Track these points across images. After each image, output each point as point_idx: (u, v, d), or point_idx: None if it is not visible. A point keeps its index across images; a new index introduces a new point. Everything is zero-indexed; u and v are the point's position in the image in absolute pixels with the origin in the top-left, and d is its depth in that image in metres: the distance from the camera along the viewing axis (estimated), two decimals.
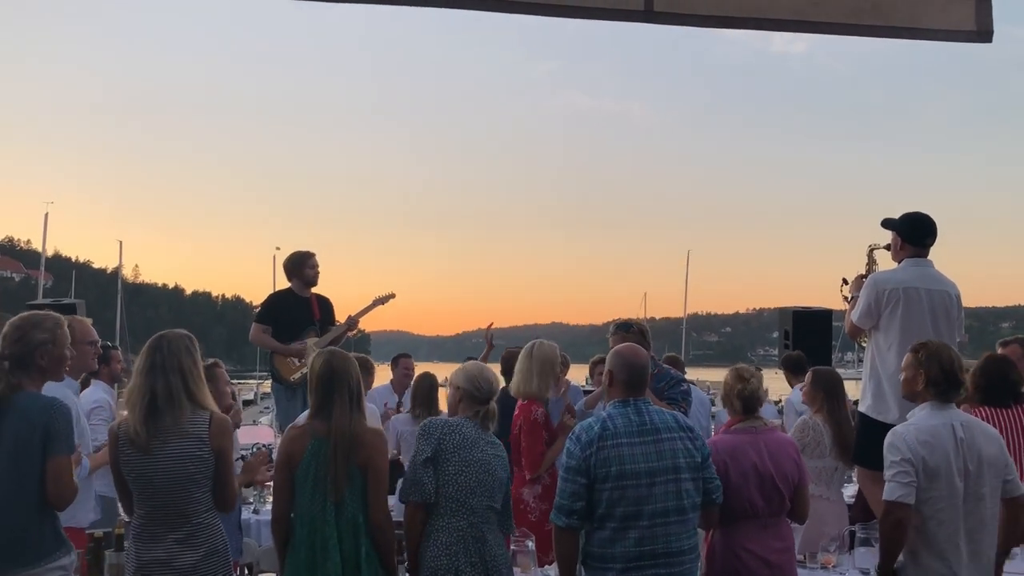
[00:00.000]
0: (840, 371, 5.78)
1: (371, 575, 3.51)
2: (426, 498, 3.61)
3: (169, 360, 3.48)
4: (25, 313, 3.62)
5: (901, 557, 3.61)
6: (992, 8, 3.32)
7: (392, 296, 7.52)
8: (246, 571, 5.46)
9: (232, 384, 5.33)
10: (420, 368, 7.40)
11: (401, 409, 7.13)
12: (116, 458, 3.47)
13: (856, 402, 6.36)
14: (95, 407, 5.33)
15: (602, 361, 4.88)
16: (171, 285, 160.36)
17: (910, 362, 3.78)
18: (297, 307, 7.12)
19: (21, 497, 3.29)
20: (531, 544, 4.05)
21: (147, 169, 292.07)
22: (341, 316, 7.39)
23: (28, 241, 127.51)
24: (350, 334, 7.42)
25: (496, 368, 6.12)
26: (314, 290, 7.26)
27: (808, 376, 5.36)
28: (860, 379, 5.56)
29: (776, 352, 10.30)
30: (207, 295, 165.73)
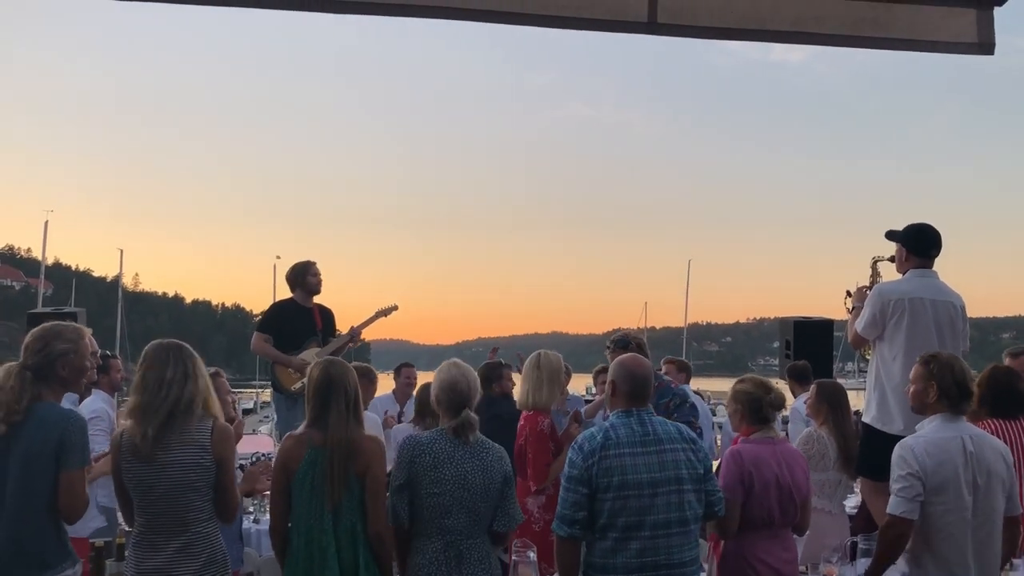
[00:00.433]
0: (840, 381, 5.79)
1: None
2: (401, 524, 3.61)
3: (186, 368, 3.48)
4: (47, 323, 3.62)
5: (907, 569, 3.61)
6: (994, 20, 3.33)
7: (395, 308, 7.53)
8: None
9: (232, 394, 5.32)
10: (421, 378, 7.40)
11: (402, 419, 7.12)
12: (118, 467, 3.46)
13: (858, 413, 6.36)
14: (94, 416, 5.32)
15: (605, 370, 4.90)
16: (171, 293, 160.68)
17: (920, 374, 3.76)
18: (299, 317, 7.13)
19: (32, 507, 3.30)
20: (532, 555, 4.03)
21: (147, 177, 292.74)
22: (343, 326, 7.39)
23: (28, 249, 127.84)
24: (351, 345, 7.42)
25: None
26: (316, 300, 7.27)
27: (812, 389, 5.37)
28: (861, 389, 5.57)
29: (776, 362, 10.29)
30: (207, 304, 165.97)
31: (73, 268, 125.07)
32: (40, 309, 11.92)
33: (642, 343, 5.05)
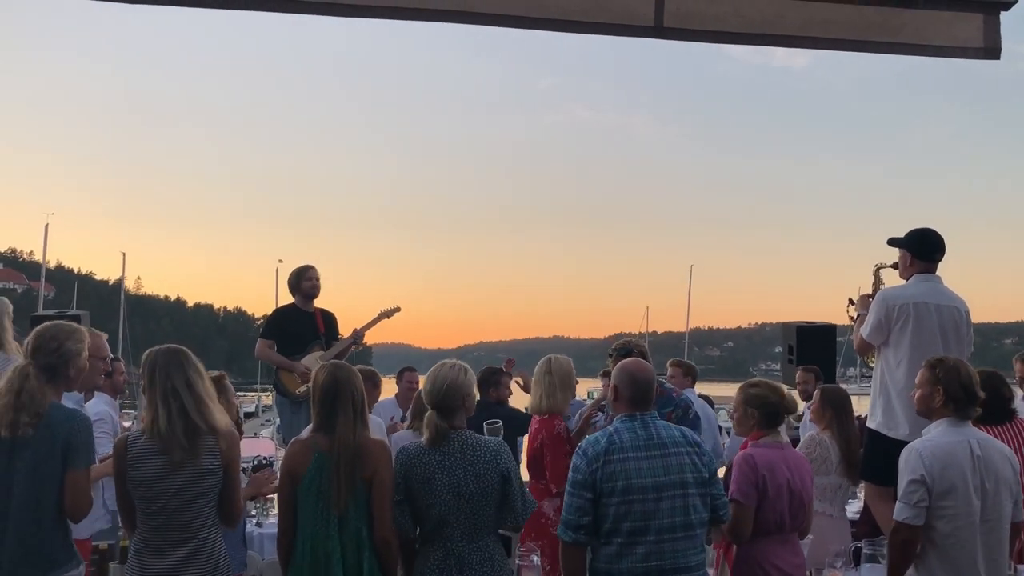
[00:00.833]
0: (843, 386, 5.79)
1: None
2: (407, 535, 3.61)
3: (193, 376, 3.47)
4: (53, 323, 3.63)
5: (916, 575, 3.60)
6: (1000, 25, 3.34)
7: (397, 310, 7.53)
8: None
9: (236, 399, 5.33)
10: (422, 382, 7.40)
11: (405, 423, 7.12)
12: (123, 472, 3.43)
13: (859, 418, 6.34)
14: (97, 419, 5.30)
15: (607, 374, 4.90)
16: (173, 297, 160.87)
17: (927, 378, 3.76)
18: (301, 321, 7.14)
19: (38, 507, 3.31)
20: (536, 559, 4.02)
21: (149, 180, 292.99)
22: (346, 329, 7.40)
23: (31, 253, 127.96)
24: (355, 347, 7.43)
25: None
26: (318, 304, 7.29)
27: (816, 394, 5.37)
28: (863, 394, 5.57)
29: (778, 367, 10.29)
30: (209, 307, 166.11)
31: (75, 271, 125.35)
32: (42, 312, 11.94)
33: (644, 351, 5.04)
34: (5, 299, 4.80)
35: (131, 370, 9.86)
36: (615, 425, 3.58)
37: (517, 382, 7.11)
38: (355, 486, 3.50)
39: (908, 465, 3.58)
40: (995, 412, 4.66)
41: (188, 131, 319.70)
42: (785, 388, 4.10)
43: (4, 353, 4.50)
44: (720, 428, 8.24)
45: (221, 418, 3.52)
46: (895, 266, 5.31)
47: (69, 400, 3.90)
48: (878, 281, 5.53)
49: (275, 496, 5.00)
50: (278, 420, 7.42)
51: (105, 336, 4.65)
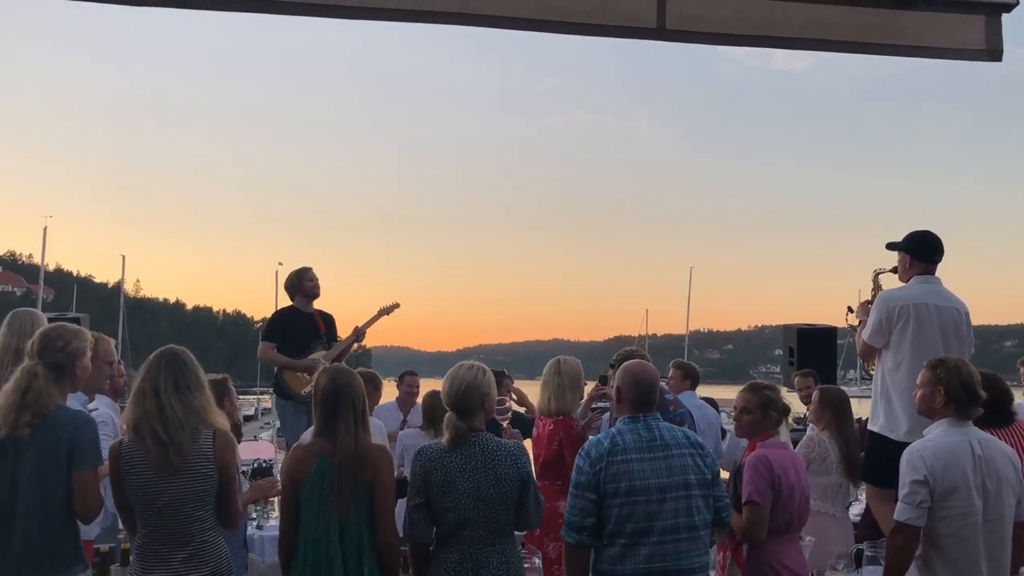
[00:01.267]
0: (843, 388, 5.78)
1: None
2: (423, 539, 3.58)
3: (189, 378, 3.46)
4: (58, 323, 3.63)
5: (918, 575, 3.60)
6: (1002, 27, 3.35)
7: (397, 306, 7.54)
8: None
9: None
10: (424, 385, 7.42)
11: (406, 427, 7.13)
12: (119, 476, 3.42)
13: (860, 420, 6.33)
14: (100, 422, 5.31)
15: (604, 380, 4.93)
16: (172, 300, 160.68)
17: (928, 378, 3.76)
18: (302, 323, 7.16)
19: (46, 510, 3.30)
20: (538, 561, 4.03)
21: (148, 183, 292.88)
22: (344, 330, 7.41)
23: (30, 255, 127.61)
24: (357, 345, 7.44)
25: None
26: (316, 306, 7.30)
27: (816, 395, 5.37)
28: (863, 396, 5.57)
29: (779, 369, 10.28)
30: (208, 310, 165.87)
31: (74, 274, 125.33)
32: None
33: (645, 358, 5.04)
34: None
35: (131, 373, 9.85)
36: (618, 427, 3.59)
37: (512, 397, 7.15)
38: (356, 491, 3.49)
39: (910, 465, 3.58)
40: (996, 414, 4.68)
41: (187, 134, 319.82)
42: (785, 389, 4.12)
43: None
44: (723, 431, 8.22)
45: (215, 420, 3.50)
46: (894, 270, 5.31)
47: (75, 402, 3.91)
48: (877, 287, 5.52)
49: (276, 499, 5.00)
50: (278, 423, 7.43)
51: (113, 341, 4.65)
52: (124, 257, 67.70)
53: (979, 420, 4.64)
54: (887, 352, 5.03)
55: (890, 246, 5.25)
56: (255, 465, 7.39)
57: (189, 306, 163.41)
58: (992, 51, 3.33)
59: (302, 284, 7.23)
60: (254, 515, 5.91)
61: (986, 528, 3.53)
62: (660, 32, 3.15)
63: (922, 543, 3.59)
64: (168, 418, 3.36)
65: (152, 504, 3.36)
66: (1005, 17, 3.34)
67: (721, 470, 3.85)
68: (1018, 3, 3.36)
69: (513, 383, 7.73)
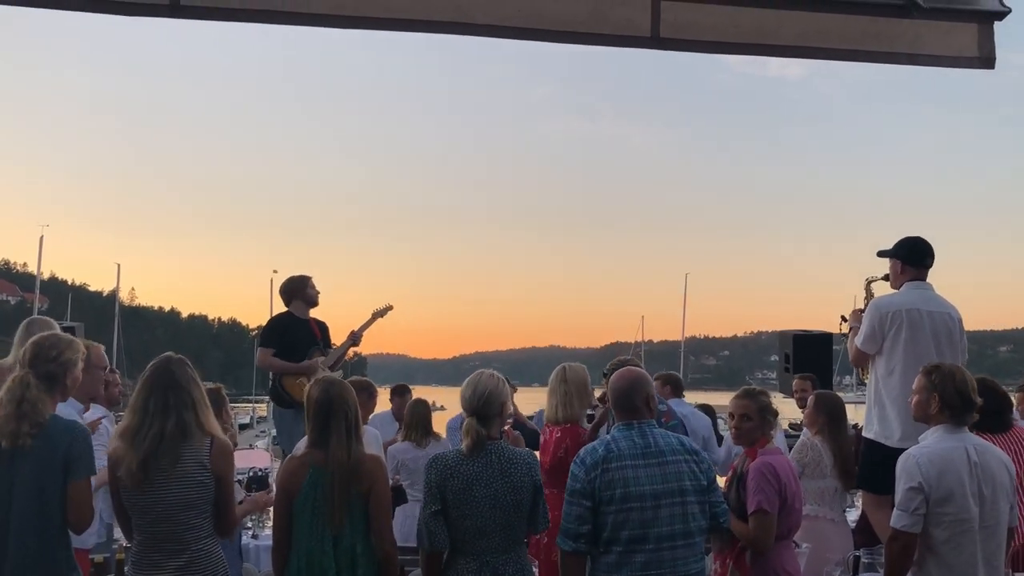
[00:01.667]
0: (839, 394, 5.78)
1: None
2: (440, 548, 3.55)
3: (182, 394, 3.45)
4: (51, 333, 3.62)
5: None
6: (994, 34, 3.36)
7: (390, 308, 7.53)
8: None
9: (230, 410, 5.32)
10: (418, 392, 7.44)
11: (399, 437, 7.14)
12: (115, 485, 3.44)
13: (856, 426, 6.33)
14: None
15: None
16: (167, 308, 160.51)
17: (923, 384, 3.76)
18: (299, 329, 7.15)
19: (40, 519, 3.29)
20: (534, 570, 4.02)
21: (143, 192, 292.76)
22: (338, 338, 7.40)
23: (24, 264, 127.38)
24: (353, 350, 7.44)
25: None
26: (311, 314, 7.29)
27: (811, 400, 5.37)
28: (859, 403, 5.57)
29: (775, 376, 10.29)
30: (203, 318, 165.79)
31: (69, 283, 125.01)
32: None
33: (635, 366, 5.05)
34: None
35: (126, 382, 9.85)
36: (613, 434, 3.58)
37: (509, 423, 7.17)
38: (350, 501, 3.48)
39: (905, 472, 3.58)
40: (994, 420, 4.69)
41: (182, 142, 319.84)
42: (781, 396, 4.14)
43: None
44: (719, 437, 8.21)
45: (213, 430, 3.49)
46: (886, 278, 5.32)
47: (72, 410, 3.90)
48: (870, 294, 5.53)
49: (271, 510, 4.99)
50: (273, 431, 7.44)
51: (103, 347, 4.64)
52: (119, 265, 67.43)
53: (977, 426, 4.68)
54: (880, 359, 5.02)
55: (881, 253, 5.26)
56: (251, 474, 7.38)
57: (184, 314, 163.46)
58: (985, 58, 3.35)
59: (304, 291, 7.23)
60: (250, 524, 5.90)
61: (983, 534, 3.53)
62: (654, 40, 3.15)
63: (919, 550, 3.58)
64: (142, 439, 3.34)
65: (147, 511, 3.35)
66: (996, 24, 3.36)
67: (717, 476, 3.86)
68: (1010, 11, 3.39)
69: (516, 391, 7.74)
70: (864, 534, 5.26)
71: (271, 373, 7.20)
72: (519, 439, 4.57)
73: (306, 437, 3.73)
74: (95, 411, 5.57)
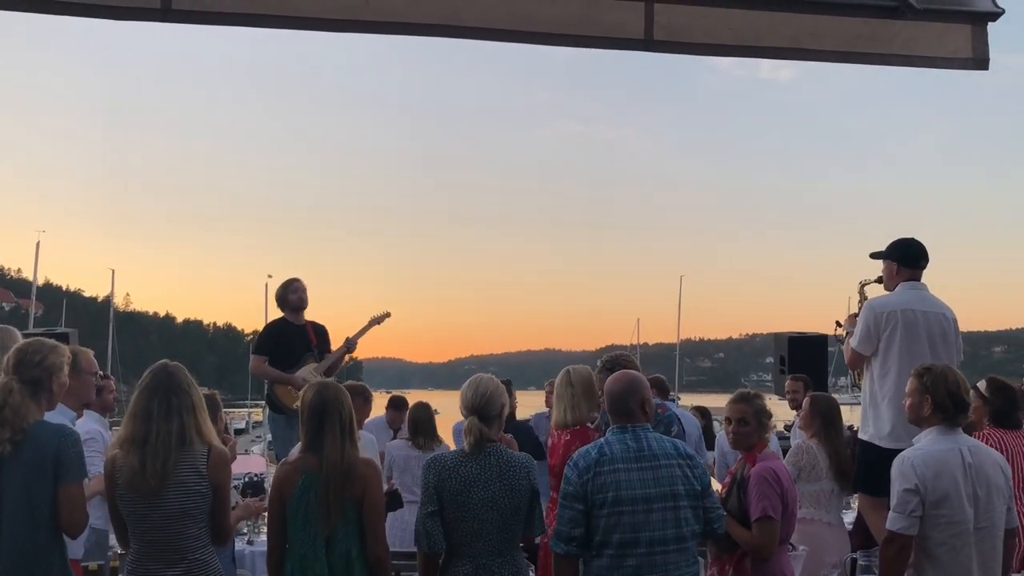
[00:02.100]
0: (834, 396, 5.78)
1: None
2: (437, 549, 3.54)
3: (184, 399, 3.44)
4: (34, 339, 3.60)
5: None
6: (988, 36, 3.36)
7: (387, 315, 7.51)
8: None
9: (225, 414, 5.31)
10: (413, 397, 7.42)
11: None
12: (112, 493, 3.42)
13: (851, 428, 6.33)
14: (87, 438, 5.25)
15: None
16: (162, 313, 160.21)
17: (915, 386, 3.76)
18: (293, 335, 7.13)
19: (32, 526, 3.27)
20: (531, 573, 4.01)
21: (137, 197, 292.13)
22: (336, 341, 7.38)
23: (19, 270, 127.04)
24: (348, 356, 7.41)
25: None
26: (309, 317, 7.27)
27: (806, 402, 5.36)
28: (854, 404, 5.57)
29: (770, 377, 10.29)
30: (198, 324, 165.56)
31: (63, 288, 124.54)
32: (31, 330, 11.85)
33: (630, 363, 5.02)
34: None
35: (121, 388, 9.82)
36: (607, 437, 3.57)
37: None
38: (344, 506, 3.47)
39: (900, 475, 3.58)
40: (1008, 418, 4.83)
41: (176, 146, 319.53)
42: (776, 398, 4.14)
43: None
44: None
45: (210, 438, 3.48)
46: (880, 280, 5.31)
47: (64, 418, 3.88)
48: (864, 297, 5.51)
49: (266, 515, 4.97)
50: (269, 436, 7.42)
51: (92, 352, 4.61)
52: (113, 271, 67.68)
53: (992, 421, 4.75)
54: (875, 360, 5.02)
55: (874, 255, 5.25)
56: (246, 479, 7.36)
57: (179, 319, 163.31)
58: (979, 60, 3.35)
59: (287, 296, 7.21)
60: (244, 531, 5.88)
61: (978, 536, 3.52)
62: (647, 43, 3.14)
63: (915, 552, 3.58)
64: (149, 446, 3.34)
65: (144, 520, 3.34)
66: (991, 25, 3.37)
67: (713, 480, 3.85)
68: (1003, 12, 3.39)
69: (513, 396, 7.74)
70: (861, 536, 5.26)
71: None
72: (513, 442, 4.56)
73: (300, 442, 3.72)
74: (88, 418, 5.55)
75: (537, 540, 4.42)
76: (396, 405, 7.85)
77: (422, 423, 6.58)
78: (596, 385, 5.07)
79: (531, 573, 4.01)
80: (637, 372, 3.92)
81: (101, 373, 4.69)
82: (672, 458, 3.48)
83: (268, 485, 5.71)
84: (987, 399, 4.95)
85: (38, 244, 50.82)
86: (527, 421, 7.23)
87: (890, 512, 3.60)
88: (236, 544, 5.30)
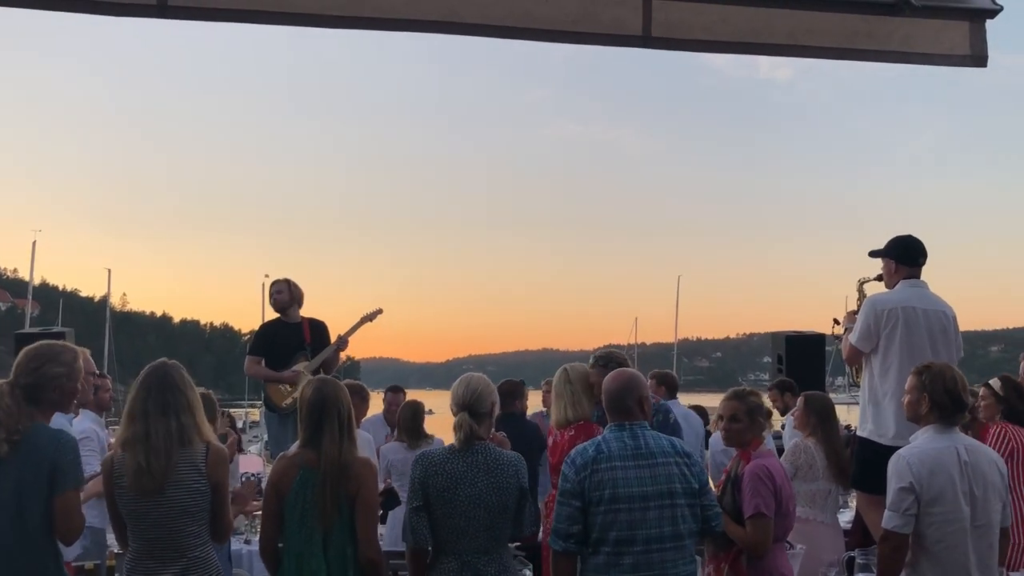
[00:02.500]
0: (831, 395, 5.79)
1: None
2: (423, 544, 3.55)
3: (180, 397, 3.44)
4: (42, 343, 3.56)
5: None
6: (986, 33, 3.36)
7: (379, 312, 7.48)
8: None
9: (227, 412, 5.30)
10: (410, 396, 7.40)
11: (391, 439, 7.11)
12: (111, 492, 3.41)
13: (848, 427, 6.33)
14: (84, 437, 5.24)
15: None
16: (159, 313, 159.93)
17: (913, 384, 3.76)
18: (286, 334, 7.11)
19: (28, 532, 3.25)
20: (528, 573, 4.01)
21: (134, 197, 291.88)
22: (331, 341, 7.36)
23: (15, 270, 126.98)
24: (345, 355, 7.40)
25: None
26: (306, 314, 7.25)
27: (800, 401, 5.37)
28: (850, 403, 5.59)
29: (767, 377, 10.30)
30: (195, 323, 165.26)
31: (60, 288, 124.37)
32: (28, 330, 11.86)
33: (623, 360, 5.03)
34: None
35: (117, 387, 9.80)
36: (604, 434, 3.57)
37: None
38: (340, 503, 3.46)
39: (896, 473, 3.58)
40: (1021, 414, 4.98)
41: (173, 146, 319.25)
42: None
43: None
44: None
45: (208, 436, 3.48)
46: (879, 278, 5.31)
47: (60, 417, 3.86)
48: (862, 296, 5.52)
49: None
50: (266, 436, 7.41)
51: (88, 351, 4.59)
52: (110, 271, 67.56)
53: (1007, 416, 4.98)
54: (875, 357, 5.02)
55: (873, 253, 5.25)
56: (244, 478, 7.34)
57: (176, 319, 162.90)
58: (977, 57, 3.35)
59: (271, 298, 7.21)
60: (242, 530, 5.86)
61: (975, 534, 3.52)
62: (646, 40, 3.14)
63: (912, 550, 3.58)
64: (152, 444, 3.34)
65: (144, 518, 3.34)
66: (989, 23, 3.37)
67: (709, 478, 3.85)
68: (1002, 9, 3.39)
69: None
70: (859, 535, 5.27)
71: None
72: (505, 441, 4.56)
73: (298, 439, 3.71)
74: (84, 417, 5.55)
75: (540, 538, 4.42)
76: (395, 389, 7.84)
77: (406, 421, 6.60)
78: (591, 379, 5.09)
79: (528, 572, 4.00)
80: (634, 370, 3.92)
81: (97, 372, 4.68)
82: (669, 456, 3.48)
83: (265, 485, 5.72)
84: (1000, 396, 5.09)
85: (34, 244, 50.93)
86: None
87: (886, 510, 3.60)
88: (233, 544, 5.29)
